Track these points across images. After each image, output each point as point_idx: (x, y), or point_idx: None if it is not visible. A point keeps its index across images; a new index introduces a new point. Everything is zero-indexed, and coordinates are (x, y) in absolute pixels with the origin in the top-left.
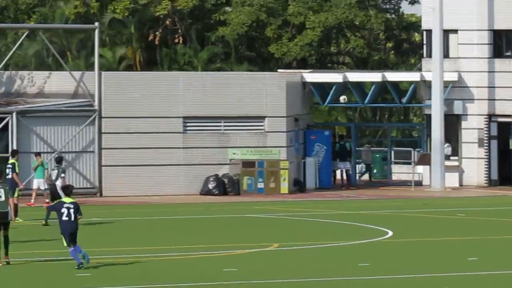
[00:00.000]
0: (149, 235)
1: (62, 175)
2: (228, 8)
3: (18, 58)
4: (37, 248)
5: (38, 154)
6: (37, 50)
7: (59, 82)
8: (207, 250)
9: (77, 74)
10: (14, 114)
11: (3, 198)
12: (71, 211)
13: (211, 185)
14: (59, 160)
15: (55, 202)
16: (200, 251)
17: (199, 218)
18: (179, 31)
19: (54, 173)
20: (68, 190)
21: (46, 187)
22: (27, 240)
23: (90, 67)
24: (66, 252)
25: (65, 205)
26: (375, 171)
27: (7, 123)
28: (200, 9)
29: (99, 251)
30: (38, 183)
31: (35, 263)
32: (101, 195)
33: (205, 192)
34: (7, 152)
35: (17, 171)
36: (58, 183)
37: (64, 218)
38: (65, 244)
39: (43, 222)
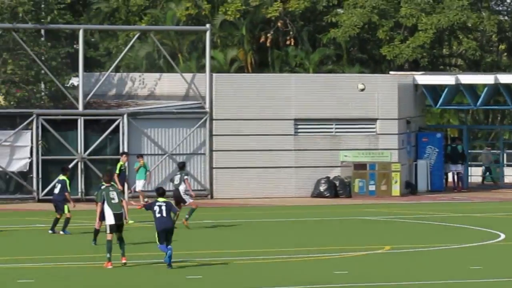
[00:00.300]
0: (261, 237)
1: (186, 177)
2: (340, 10)
3: (129, 60)
4: (149, 250)
5: (140, 156)
6: (148, 52)
7: (170, 84)
8: (319, 253)
9: (188, 76)
10: (125, 116)
11: (116, 200)
12: (163, 208)
13: (322, 188)
14: (182, 166)
15: (149, 202)
16: (311, 254)
17: (310, 221)
18: (291, 33)
19: (177, 178)
20: (159, 191)
21: (144, 188)
22: (139, 242)
23: (201, 69)
24: (177, 254)
25: (157, 204)
26: (487, 173)
27: (118, 125)
28: (312, 11)
29: (211, 253)
30: (139, 184)
31: (149, 265)
32: (212, 197)
33: (316, 194)
34: (118, 154)
35: (116, 171)
36: (182, 188)
37: (157, 215)
38: (158, 242)
39: (184, 221)
